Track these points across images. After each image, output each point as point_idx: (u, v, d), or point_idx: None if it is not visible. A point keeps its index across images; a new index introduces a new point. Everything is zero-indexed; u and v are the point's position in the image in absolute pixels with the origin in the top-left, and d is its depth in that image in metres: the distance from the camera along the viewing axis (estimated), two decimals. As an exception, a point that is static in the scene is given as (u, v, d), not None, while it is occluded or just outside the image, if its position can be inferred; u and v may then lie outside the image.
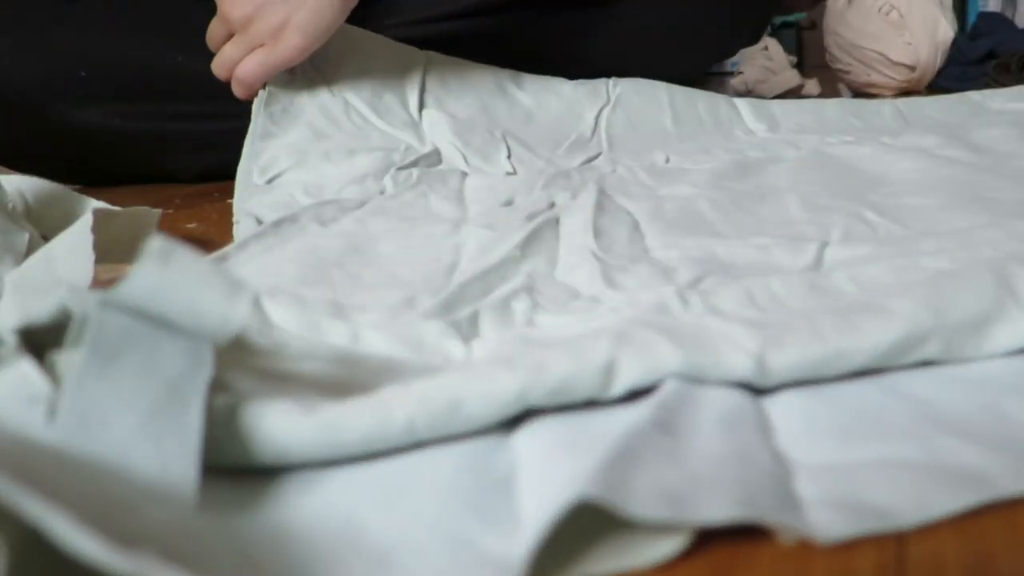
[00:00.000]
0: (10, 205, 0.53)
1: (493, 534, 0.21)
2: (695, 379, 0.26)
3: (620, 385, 0.26)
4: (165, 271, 0.22)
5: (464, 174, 0.64)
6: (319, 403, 0.24)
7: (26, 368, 0.21)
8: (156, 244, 0.22)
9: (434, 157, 0.67)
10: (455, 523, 0.21)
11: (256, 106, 0.67)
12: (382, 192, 0.60)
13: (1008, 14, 1.51)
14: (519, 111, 0.76)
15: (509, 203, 0.54)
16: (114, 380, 0.20)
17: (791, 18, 1.70)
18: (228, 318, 0.22)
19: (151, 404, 0.20)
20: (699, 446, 0.22)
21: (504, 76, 0.78)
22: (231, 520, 0.21)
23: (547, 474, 0.22)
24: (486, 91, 0.76)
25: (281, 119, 0.67)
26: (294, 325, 0.33)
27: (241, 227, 0.53)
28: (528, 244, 0.42)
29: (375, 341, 0.32)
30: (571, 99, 0.79)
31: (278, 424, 0.23)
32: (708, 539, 0.20)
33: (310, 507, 0.22)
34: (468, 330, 0.33)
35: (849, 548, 0.20)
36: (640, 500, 0.20)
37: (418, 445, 0.25)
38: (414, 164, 0.64)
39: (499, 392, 0.25)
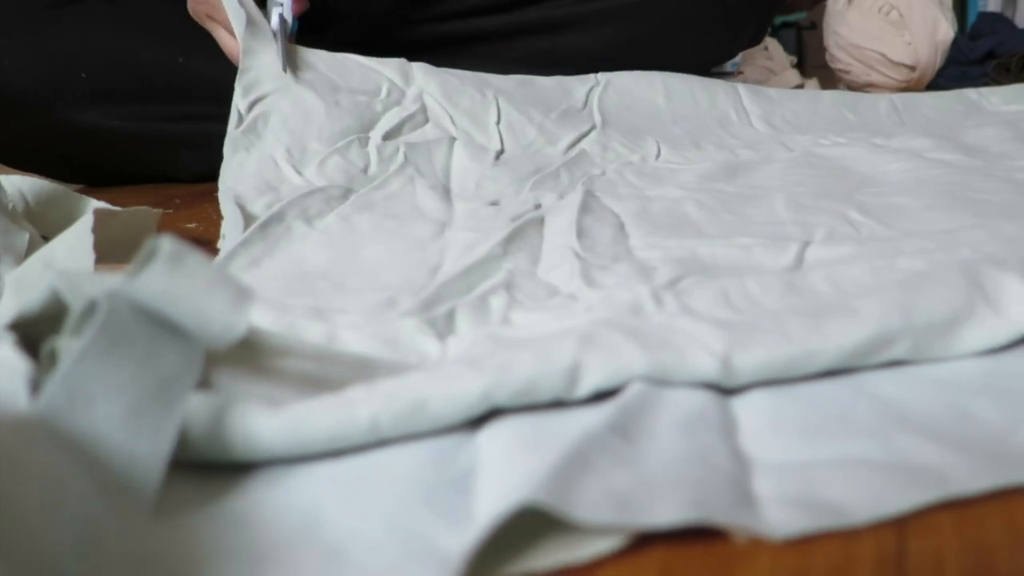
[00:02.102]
0: (10, 205, 0.53)
1: (446, 529, 0.21)
2: (661, 381, 0.26)
3: (585, 387, 0.26)
4: (175, 274, 0.22)
5: (452, 142, 0.64)
6: (288, 400, 0.25)
7: (5, 351, 0.22)
8: (168, 246, 0.22)
9: (419, 117, 0.67)
10: (410, 517, 0.22)
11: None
12: (366, 169, 0.59)
13: (1008, 14, 1.50)
14: (511, 79, 0.76)
15: (496, 203, 0.54)
16: (110, 367, 0.21)
17: (791, 18, 1.70)
18: (231, 326, 0.23)
19: (138, 398, 0.21)
20: (655, 449, 0.23)
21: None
22: (187, 517, 0.22)
23: (504, 473, 0.22)
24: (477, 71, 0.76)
25: (264, 36, 0.67)
26: (271, 326, 0.33)
27: (227, 212, 0.52)
28: (511, 241, 0.42)
29: (351, 340, 0.32)
30: (560, 80, 0.79)
31: (245, 421, 0.24)
32: (709, 537, 0.20)
33: (272, 501, 0.23)
34: (444, 327, 0.33)
35: (849, 549, 0.20)
36: (587, 505, 0.20)
37: (385, 442, 0.25)
38: (399, 128, 0.64)
39: (464, 392, 0.25)
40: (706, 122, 0.78)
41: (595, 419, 0.24)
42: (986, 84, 1.17)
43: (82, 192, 0.60)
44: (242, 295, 0.23)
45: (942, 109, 0.88)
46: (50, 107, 0.78)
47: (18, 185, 0.55)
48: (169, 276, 0.22)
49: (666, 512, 0.20)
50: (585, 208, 0.47)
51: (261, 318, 0.33)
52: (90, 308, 0.22)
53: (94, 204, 0.53)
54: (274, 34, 0.67)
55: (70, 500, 0.18)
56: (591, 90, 0.78)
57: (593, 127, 0.72)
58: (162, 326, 0.22)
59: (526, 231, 0.44)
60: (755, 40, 1.04)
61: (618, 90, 0.79)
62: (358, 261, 0.43)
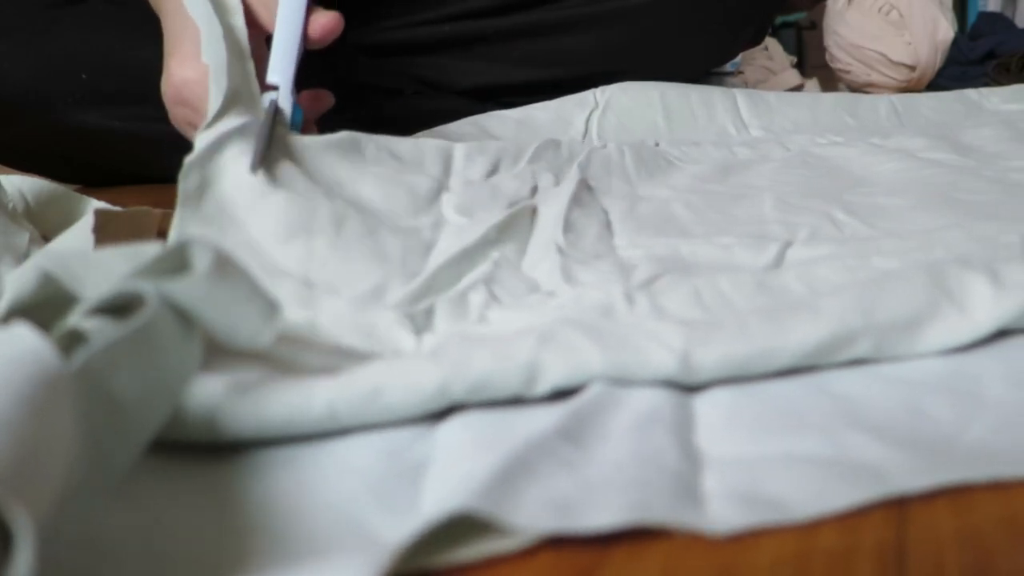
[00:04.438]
0: (10, 205, 0.53)
1: (389, 520, 0.22)
2: (621, 380, 0.26)
3: (544, 385, 0.26)
4: (218, 284, 0.23)
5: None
6: (254, 382, 0.25)
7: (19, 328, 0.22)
8: (213, 255, 0.24)
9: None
10: (357, 506, 0.22)
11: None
12: None
13: (1008, 14, 1.51)
14: (509, 122, 0.76)
15: (495, 170, 0.54)
16: (142, 349, 0.22)
17: (791, 18, 1.70)
18: (258, 336, 0.24)
19: (155, 381, 0.22)
20: (603, 453, 0.23)
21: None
22: (147, 498, 0.23)
23: (454, 469, 0.23)
24: (475, 116, 0.76)
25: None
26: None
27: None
28: (504, 229, 0.42)
29: (331, 328, 0.32)
30: (558, 110, 0.79)
31: (209, 402, 0.25)
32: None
33: (230, 484, 0.23)
34: (422, 322, 0.34)
35: (850, 548, 0.20)
36: (526, 511, 0.20)
37: (347, 430, 0.26)
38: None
39: (420, 385, 0.26)
40: (706, 134, 0.78)
41: (546, 423, 0.24)
42: (986, 84, 1.17)
43: (82, 192, 0.60)
44: (271, 309, 0.25)
45: (942, 110, 0.88)
46: (50, 107, 0.78)
47: (18, 185, 0.55)
48: (213, 285, 0.23)
49: (604, 515, 0.20)
50: (576, 200, 0.47)
51: None
52: (129, 296, 0.23)
53: (94, 204, 0.53)
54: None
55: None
56: (590, 115, 0.79)
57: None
58: (188, 323, 0.23)
59: (519, 220, 0.44)
60: (755, 40, 1.04)
61: (617, 112, 0.79)
62: (355, 197, 0.43)
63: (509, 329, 0.32)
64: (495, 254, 0.40)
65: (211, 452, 0.25)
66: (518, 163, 0.56)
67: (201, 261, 0.24)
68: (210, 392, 0.25)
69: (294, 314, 0.33)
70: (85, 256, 0.25)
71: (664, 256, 0.40)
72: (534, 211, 0.46)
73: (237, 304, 0.24)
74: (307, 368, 0.27)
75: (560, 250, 0.41)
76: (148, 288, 0.23)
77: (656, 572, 0.20)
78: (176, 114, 0.59)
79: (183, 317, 0.23)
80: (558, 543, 0.20)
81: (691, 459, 0.23)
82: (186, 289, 0.23)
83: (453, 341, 0.31)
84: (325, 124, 0.61)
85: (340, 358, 0.29)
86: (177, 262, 0.24)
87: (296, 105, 0.54)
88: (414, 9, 0.82)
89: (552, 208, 0.46)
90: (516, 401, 0.27)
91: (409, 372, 0.26)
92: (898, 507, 0.21)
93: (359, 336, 0.32)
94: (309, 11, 0.56)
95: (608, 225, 0.47)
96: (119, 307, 0.23)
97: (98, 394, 0.21)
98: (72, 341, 0.22)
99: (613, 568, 0.20)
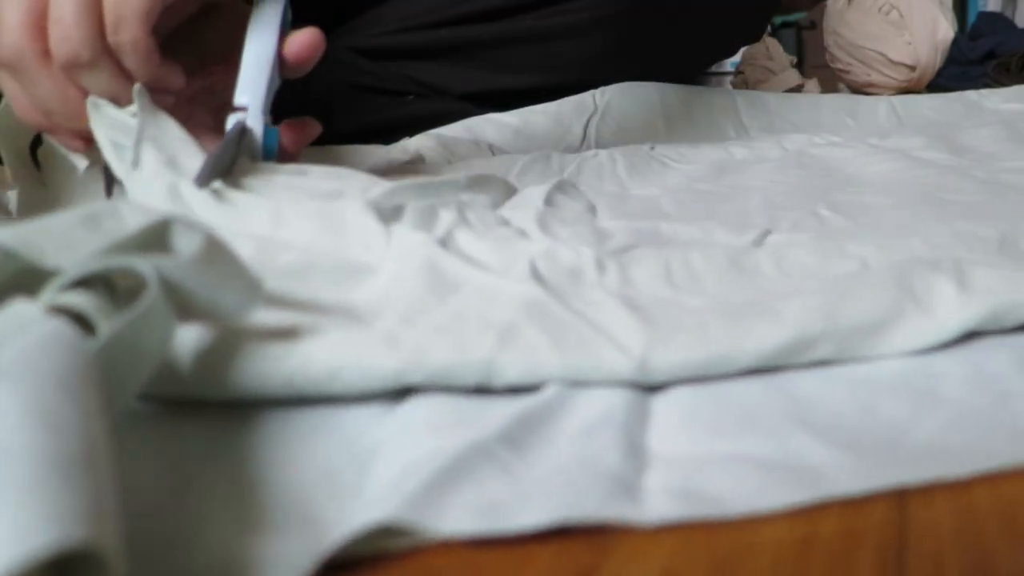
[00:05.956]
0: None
1: (335, 507, 0.22)
2: (577, 381, 0.27)
3: (500, 382, 0.27)
4: (209, 263, 0.24)
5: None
6: (217, 346, 0.26)
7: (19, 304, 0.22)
8: (204, 236, 0.25)
9: (418, 163, 0.67)
10: (307, 493, 0.23)
11: None
12: None
13: (1008, 14, 1.51)
14: (507, 129, 0.76)
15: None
16: (144, 320, 0.23)
17: (791, 18, 1.70)
18: (242, 312, 0.26)
19: (148, 352, 0.23)
20: (543, 458, 0.23)
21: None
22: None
23: (398, 459, 0.23)
24: (471, 121, 0.76)
25: None
26: (213, 213, 0.33)
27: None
28: (475, 183, 0.42)
29: (296, 221, 0.32)
30: (557, 114, 0.79)
31: (175, 361, 0.25)
32: (710, 533, 0.21)
33: (201, 464, 0.24)
34: (390, 215, 0.34)
35: (850, 548, 0.20)
36: (453, 516, 0.20)
37: (307, 402, 0.26)
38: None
39: (377, 368, 0.26)
40: (703, 141, 0.78)
41: (491, 427, 0.24)
42: (986, 84, 1.17)
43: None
44: (254, 288, 0.26)
45: (942, 110, 0.88)
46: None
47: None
48: (202, 265, 0.24)
49: (531, 516, 0.20)
50: (559, 188, 0.47)
51: (202, 204, 0.33)
52: (117, 271, 0.24)
53: None
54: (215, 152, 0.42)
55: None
56: (589, 120, 0.79)
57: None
58: (172, 295, 0.24)
59: (493, 180, 0.44)
60: (755, 37, 1.04)
61: (616, 116, 0.79)
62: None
63: (478, 257, 0.32)
64: (465, 197, 0.40)
65: (175, 413, 0.26)
66: (507, 176, 0.56)
67: (190, 241, 0.24)
68: (176, 354, 0.26)
69: (258, 211, 0.33)
70: (43, 227, 0.25)
71: (642, 229, 0.40)
72: (512, 188, 0.46)
73: (223, 283, 0.25)
74: (274, 296, 0.28)
75: (539, 209, 0.40)
76: (145, 266, 0.23)
77: (656, 572, 0.20)
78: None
79: (169, 291, 0.24)
80: (558, 543, 0.21)
81: (636, 458, 0.23)
82: (178, 268, 0.24)
83: (422, 272, 0.31)
84: (329, 126, 0.60)
85: (307, 271, 0.30)
86: (157, 237, 0.25)
87: (269, 128, 0.47)
88: (409, 14, 0.82)
89: (534, 190, 0.46)
90: (476, 389, 0.27)
91: (367, 355, 0.26)
92: (898, 506, 0.21)
93: (328, 230, 0.32)
94: (283, 35, 0.49)
95: (593, 209, 0.47)
96: (97, 279, 0.24)
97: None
98: (55, 314, 0.22)
99: (613, 568, 0.20)
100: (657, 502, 0.21)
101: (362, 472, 0.23)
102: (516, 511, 0.21)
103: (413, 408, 0.26)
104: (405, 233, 0.34)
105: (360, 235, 0.33)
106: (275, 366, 0.26)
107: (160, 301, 0.23)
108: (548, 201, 0.44)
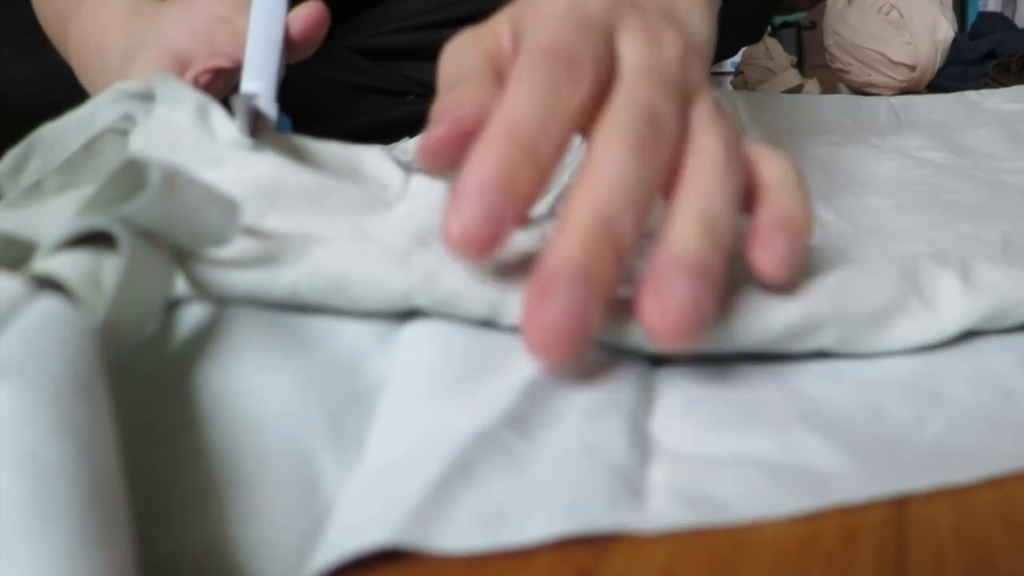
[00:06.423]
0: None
1: (333, 460, 0.22)
2: None
3: (508, 321, 0.26)
4: (171, 198, 0.23)
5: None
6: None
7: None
8: (159, 171, 0.23)
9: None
10: (309, 438, 0.22)
11: None
12: None
13: (1008, 14, 1.51)
14: None
15: None
16: (130, 276, 0.22)
17: (791, 18, 1.70)
18: (223, 237, 0.24)
19: (146, 305, 0.23)
20: (551, 439, 0.23)
21: None
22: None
23: (401, 434, 0.22)
24: None
25: None
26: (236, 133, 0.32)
27: None
28: None
29: (316, 148, 0.32)
30: None
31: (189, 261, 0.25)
32: (710, 532, 0.21)
33: (204, 404, 0.23)
34: (408, 166, 0.33)
35: (850, 548, 0.20)
36: (457, 532, 0.20)
37: (309, 311, 0.26)
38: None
39: (385, 286, 0.25)
40: None
41: (496, 404, 0.23)
42: (986, 84, 1.18)
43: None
44: (231, 208, 0.24)
45: (942, 110, 0.88)
46: (55, 115, 0.78)
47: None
48: (166, 200, 0.23)
49: (536, 528, 0.20)
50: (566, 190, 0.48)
51: (225, 124, 0.33)
52: (91, 230, 0.23)
53: None
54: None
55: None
56: None
57: None
58: (151, 240, 0.23)
59: None
60: (755, 37, 1.04)
61: None
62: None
63: None
64: None
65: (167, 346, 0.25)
66: None
67: (152, 181, 0.23)
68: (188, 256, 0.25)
69: (280, 141, 0.32)
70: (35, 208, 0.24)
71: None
72: None
73: (196, 211, 0.24)
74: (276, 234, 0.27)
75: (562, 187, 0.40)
76: (109, 223, 0.23)
77: (657, 572, 0.20)
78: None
79: (147, 235, 0.23)
80: (558, 543, 0.20)
81: (641, 447, 0.23)
82: (142, 209, 0.23)
83: (442, 196, 0.31)
84: (329, 128, 0.59)
85: (321, 196, 0.29)
86: (129, 183, 0.24)
87: (282, 115, 0.45)
88: (409, 14, 0.82)
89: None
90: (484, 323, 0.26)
91: (376, 271, 0.26)
92: (898, 505, 0.21)
93: (343, 168, 0.32)
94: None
95: None
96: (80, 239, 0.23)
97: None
98: (41, 287, 0.22)
99: (613, 568, 0.20)
100: (662, 506, 0.21)
101: (363, 419, 0.23)
102: (521, 523, 0.20)
103: (415, 341, 0.25)
104: (423, 178, 0.33)
105: (378, 176, 0.32)
106: (281, 271, 0.25)
107: (140, 251, 0.22)
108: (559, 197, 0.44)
